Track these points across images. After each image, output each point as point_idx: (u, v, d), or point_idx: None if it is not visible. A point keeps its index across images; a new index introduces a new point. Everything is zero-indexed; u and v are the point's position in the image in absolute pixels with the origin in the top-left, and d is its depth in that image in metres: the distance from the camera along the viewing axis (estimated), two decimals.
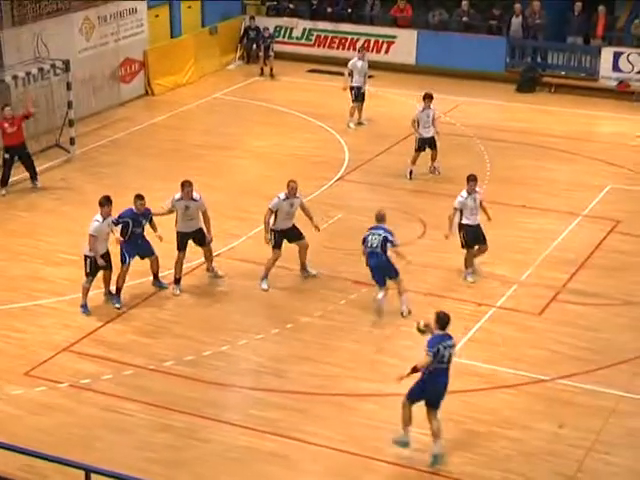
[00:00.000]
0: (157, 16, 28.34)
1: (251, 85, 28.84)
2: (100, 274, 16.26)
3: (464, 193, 17.14)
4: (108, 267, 16.30)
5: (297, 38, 31.09)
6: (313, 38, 30.92)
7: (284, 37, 31.18)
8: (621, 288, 16.95)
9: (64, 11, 24.75)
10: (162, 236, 16.62)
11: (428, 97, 21.41)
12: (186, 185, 16.76)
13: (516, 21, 28.77)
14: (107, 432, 13.13)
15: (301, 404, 13.79)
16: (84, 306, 16.12)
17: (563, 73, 28.57)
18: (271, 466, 12.57)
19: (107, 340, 15.32)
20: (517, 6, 28.84)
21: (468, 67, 28.24)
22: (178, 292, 16.89)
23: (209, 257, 17.28)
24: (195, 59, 29.11)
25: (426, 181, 21.38)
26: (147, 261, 16.83)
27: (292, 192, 16.73)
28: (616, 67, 27.48)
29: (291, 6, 31.35)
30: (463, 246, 17.22)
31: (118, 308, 16.21)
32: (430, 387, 12.57)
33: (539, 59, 28.97)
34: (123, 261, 16.32)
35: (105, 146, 23.53)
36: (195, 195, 16.78)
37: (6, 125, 20.62)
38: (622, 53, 27.45)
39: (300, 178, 18.72)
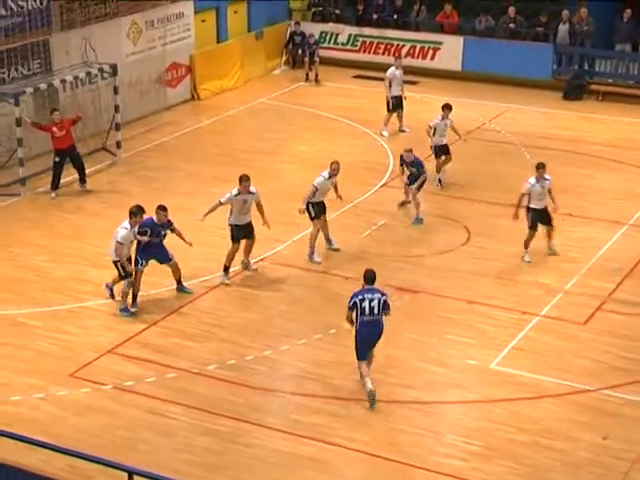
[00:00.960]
0: (204, 21, 28.49)
1: (296, 90, 28.91)
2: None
3: (532, 180, 17.92)
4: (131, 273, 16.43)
5: (342, 44, 31.11)
6: (359, 44, 30.93)
7: (329, 43, 31.21)
8: None
9: (112, 15, 24.96)
10: (192, 242, 16.83)
11: (447, 107, 21.35)
12: (244, 179, 17.27)
13: (563, 28, 28.59)
14: (150, 434, 13.20)
15: (342, 410, 13.78)
16: (125, 309, 16.29)
17: (611, 81, 28.34)
18: (311, 471, 12.57)
19: (151, 343, 15.41)
20: (564, 13, 28.66)
21: (514, 74, 28.10)
22: (228, 281, 17.20)
23: (249, 250, 17.56)
24: (241, 64, 29.23)
25: (471, 188, 21.29)
26: (182, 264, 16.93)
27: (334, 172, 17.90)
28: None
29: (337, 12, 31.39)
30: (529, 227, 17.98)
31: (133, 313, 16.30)
32: (364, 337, 13.84)
33: (586, 66, 28.76)
34: (135, 264, 16.43)
35: (151, 150, 23.70)
36: (252, 188, 17.24)
37: (55, 129, 20.83)
38: None
39: (344, 183, 18.82)
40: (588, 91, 28.01)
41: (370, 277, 13.91)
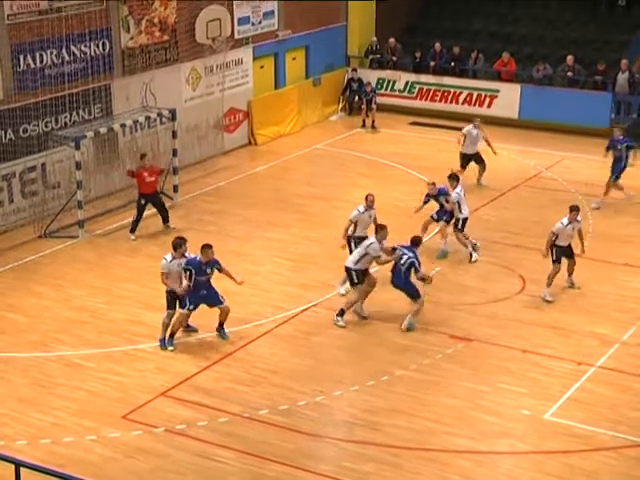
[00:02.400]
0: (262, 67, 28.82)
1: (353, 137, 29.05)
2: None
3: (565, 220, 18.37)
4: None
5: (399, 91, 31.24)
6: (415, 91, 31.04)
7: (386, 89, 31.37)
8: None
9: (172, 62, 25.38)
10: (243, 280, 17.02)
11: (454, 178, 20.47)
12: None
13: (622, 77, 28.45)
14: (200, 478, 13.20)
15: (395, 458, 13.68)
16: (165, 341, 16.61)
17: None
18: None
19: (203, 386, 15.45)
20: (624, 62, 28.54)
21: (572, 122, 27.99)
22: (342, 323, 17.54)
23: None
24: (298, 110, 29.47)
25: (527, 237, 21.16)
26: (237, 308, 17.08)
27: (370, 204, 18.67)
28: None
29: (394, 59, 31.56)
30: (553, 261, 18.40)
31: (166, 348, 16.55)
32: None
33: None
34: (182, 306, 16.58)
35: (208, 194, 23.91)
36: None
37: (145, 174, 21.26)
38: None
39: (400, 230, 18.83)
40: None
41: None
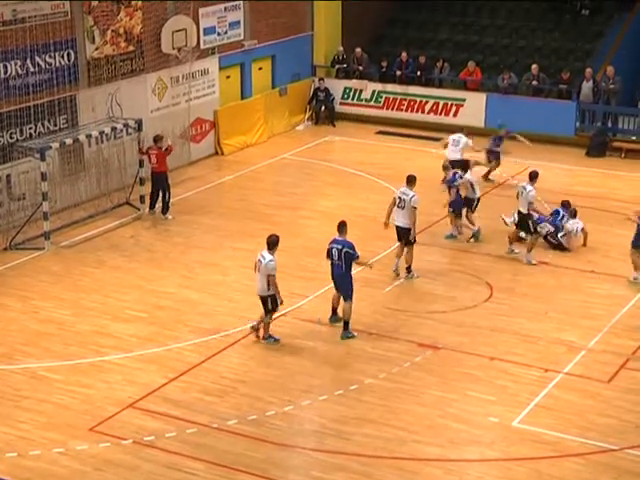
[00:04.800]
0: (228, 77, 28.79)
1: (319, 146, 29.08)
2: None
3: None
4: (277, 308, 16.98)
5: (366, 100, 31.31)
6: (382, 100, 31.12)
7: (353, 99, 31.45)
8: None
9: (138, 72, 25.30)
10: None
11: (446, 168, 22.34)
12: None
13: (586, 85, 28.67)
14: None
15: (364, 467, 13.66)
16: (270, 337, 17.06)
17: (634, 138, 28.35)
18: None
19: (171, 397, 15.37)
20: (588, 70, 28.76)
21: (537, 130, 28.17)
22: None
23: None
24: (265, 119, 29.47)
25: (494, 245, 21.26)
26: (204, 319, 17.10)
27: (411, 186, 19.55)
28: None
29: (360, 68, 31.65)
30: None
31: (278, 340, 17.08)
32: None
33: (609, 124, 28.81)
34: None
35: (175, 204, 23.79)
36: None
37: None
38: None
39: (367, 239, 18.90)
40: (611, 148, 28.03)
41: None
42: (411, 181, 19.62)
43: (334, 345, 17.19)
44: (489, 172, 25.53)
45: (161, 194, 22.94)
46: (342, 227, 17.44)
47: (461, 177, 21.47)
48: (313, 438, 14.51)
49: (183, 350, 16.85)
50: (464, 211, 21.62)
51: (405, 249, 19.61)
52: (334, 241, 17.35)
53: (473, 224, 21.62)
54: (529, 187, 20.51)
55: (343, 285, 17.41)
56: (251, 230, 22.00)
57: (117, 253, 21.05)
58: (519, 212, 20.67)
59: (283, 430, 14.56)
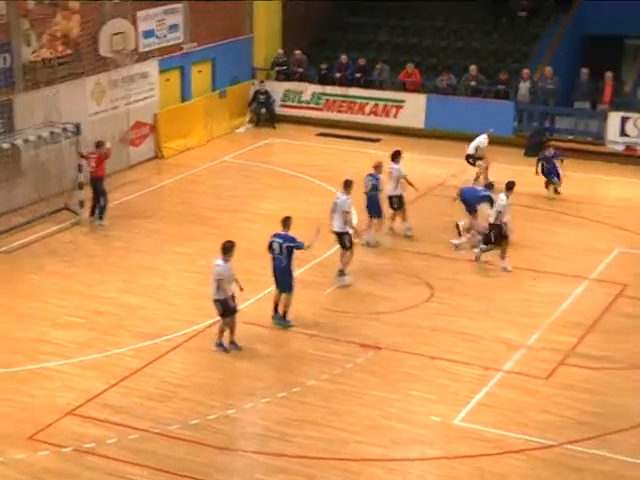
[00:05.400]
0: (168, 80, 28.66)
1: (260, 149, 29.05)
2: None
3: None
4: (234, 311, 16.86)
5: (306, 102, 31.35)
6: (322, 102, 31.18)
7: (293, 101, 31.47)
8: (629, 352, 16.87)
9: (76, 76, 25.06)
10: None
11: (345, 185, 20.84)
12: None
13: (524, 86, 28.99)
14: None
15: (307, 469, 13.67)
16: (220, 345, 16.85)
17: (571, 137, 28.71)
18: None
19: (112, 403, 15.24)
20: (525, 71, 29.09)
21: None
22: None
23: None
24: (205, 122, 29.37)
25: (433, 244, 21.39)
26: (145, 323, 17.10)
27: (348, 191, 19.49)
28: (623, 132, 27.61)
29: (300, 70, 31.67)
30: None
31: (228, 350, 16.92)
32: None
33: (547, 123, 29.14)
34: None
35: (114, 208, 23.62)
36: None
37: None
38: (629, 118, 27.60)
39: (309, 240, 18.80)
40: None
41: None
42: (346, 185, 19.60)
43: (276, 347, 17.19)
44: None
45: (96, 200, 22.78)
46: (286, 222, 17.62)
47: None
48: (256, 441, 14.49)
49: (124, 355, 16.73)
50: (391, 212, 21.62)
51: (340, 252, 19.63)
52: (276, 235, 17.56)
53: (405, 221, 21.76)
54: (503, 196, 20.26)
55: (284, 279, 17.54)
56: (192, 234, 21.92)
57: (56, 258, 20.83)
58: (489, 223, 20.31)
59: (225, 434, 14.53)
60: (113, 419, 14.76)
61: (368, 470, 13.70)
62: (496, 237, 20.08)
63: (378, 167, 21.47)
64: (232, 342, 16.95)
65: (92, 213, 22.82)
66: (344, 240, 19.49)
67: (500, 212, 20.09)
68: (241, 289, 16.95)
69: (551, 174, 24.54)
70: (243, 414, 15.05)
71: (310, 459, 13.88)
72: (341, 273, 19.52)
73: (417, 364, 16.48)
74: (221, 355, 16.85)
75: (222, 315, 16.78)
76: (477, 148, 25.10)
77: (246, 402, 15.32)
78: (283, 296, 17.64)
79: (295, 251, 17.49)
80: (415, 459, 13.99)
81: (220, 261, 16.62)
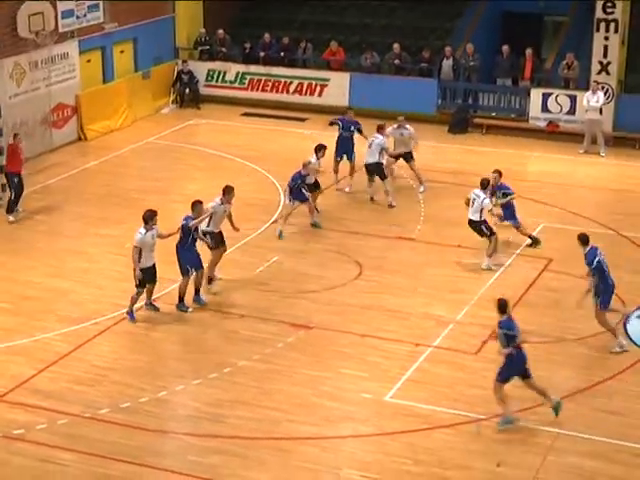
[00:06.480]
0: (89, 61, 28.24)
1: (185, 129, 28.82)
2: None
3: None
4: (153, 280, 17.17)
5: (230, 82, 31.17)
6: (246, 82, 31.02)
7: (217, 81, 31.25)
8: (555, 325, 17.15)
9: None
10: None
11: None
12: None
13: (447, 63, 29.17)
14: None
15: (240, 449, 13.69)
16: (130, 313, 17.08)
17: (494, 114, 29.00)
18: None
19: (41, 389, 15.07)
20: (447, 49, 29.27)
21: (400, 109, 28.43)
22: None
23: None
24: (128, 104, 29.02)
25: (360, 222, 21.48)
26: (73, 307, 17.15)
27: (227, 199, 18.27)
28: (545, 108, 27.97)
29: (223, 50, 31.45)
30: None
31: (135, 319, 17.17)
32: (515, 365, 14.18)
33: (470, 100, 29.40)
34: (185, 272, 17.48)
35: (37, 192, 23.28)
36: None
37: (20, 152, 21.67)
38: (551, 94, 27.96)
39: (236, 220, 18.75)
40: (472, 125, 28.60)
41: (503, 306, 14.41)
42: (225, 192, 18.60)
43: (206, 328, 17.13)
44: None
45: (14, 190, 21.91)
46: (193, 206, 17.60)
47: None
48: (188, 423, 14.46)
49: (52, 340, 16.56)
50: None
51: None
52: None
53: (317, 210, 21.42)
54: (482, 195, 19.42)
55: (178, 260, 17.54)
56: (118, 216, 21.69)
57: None
58: (470, 220, 19.50)
59: (157, 416, 14.47)
60: (42, 404, 14.61)
61: (301, 448, 13.76)
62: (484, 232, 19.46)
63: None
64: (150, 303, 17.43)
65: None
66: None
67: (484, 209, 19.33)
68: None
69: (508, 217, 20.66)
70: (174, 396, 15.00)
71: (243, 439, 13.90)
72: (209, 280, 18.50)
73: (347, 342, 16.56)
74: (150, 338, 16.77)
75: (138, 285, 16.96)
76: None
77: (177, 384, 15.27)
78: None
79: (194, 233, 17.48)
80: (347, 436, 14.09)
81: (142, 229, 16.83)
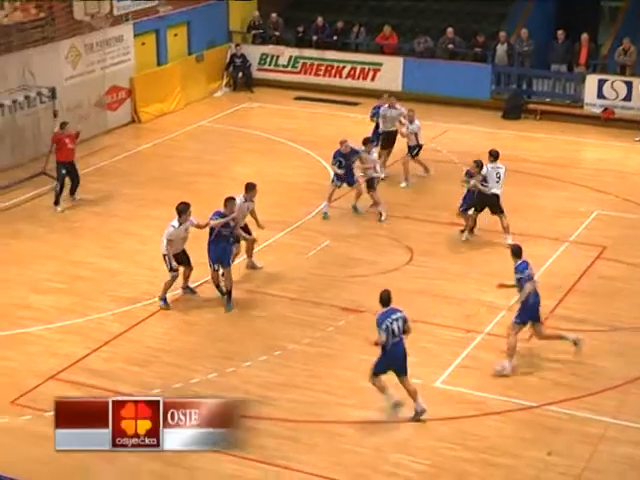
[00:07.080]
0: (143, 44, 28.41)
1: (238, 112, 28.91)
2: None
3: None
4: (188, 264, 17.20)
5: (283, 66, 31.20)
6: (299, 66, 31.03)
7: (270, 65, 31.30)
8: (608, 314, 16.98)
9: (50, 39, 24.79)
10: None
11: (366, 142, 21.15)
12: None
13: (501, 48, 28.94)
14: (96, 460, 12.99)
15: (289, 432, 13.74)
16: (164, 299, 17.02)
17: (548, 100, 28.73)
18: None
19: (94, 368, 15.24)
20: (502, 34, 29.03)
21: (454, 94, 28.39)
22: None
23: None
24: (182, 87, 29.16)
25: (412, 208, 21.42)
26: (126, 288, 17.33)
27: (250, 196, 17.99)
28: (600, 94, 27.65)
29: (277, 34, 31.48)
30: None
31: (168, 305, 17.12)
32: (390, 358, 13.74)
33: (524, 86, 29.15)
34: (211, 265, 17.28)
35: (92, 174, 23.49)
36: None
37: (67, 141, 21.17)
38: (606, 80, 27.64)
39: (288, 205, 18.88)
40: (526, 110, 28.36)
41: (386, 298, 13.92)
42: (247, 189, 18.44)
43: (257, 311, 17.20)
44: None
45: (70, 178, 21.87)
46: (226, 202, 17.26)
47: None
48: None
49: (105, 320, 16.73)
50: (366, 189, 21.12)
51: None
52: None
53: (379, 202, 21.09)
54: (502, 166, 19.74)
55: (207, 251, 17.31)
56: (170, 199, 21.66)
57: (35, 224, 20.71)
58: (496, 195, 19.52)
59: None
60: (95, 383, 14.74)
61: (351, 432, 13.78)
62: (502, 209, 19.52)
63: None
64: (187, 286, 17.48)
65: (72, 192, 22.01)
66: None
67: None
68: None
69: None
70: (225, 378, 15.07)
71: (292, 422, 13.94)
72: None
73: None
74: (202, 320, 16.86)
75: (171, 269, 16.93)
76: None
77: (228, 366, 15.34)
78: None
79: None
80: (397, 421, 14.06)
81: (175, 222, 16.79)
